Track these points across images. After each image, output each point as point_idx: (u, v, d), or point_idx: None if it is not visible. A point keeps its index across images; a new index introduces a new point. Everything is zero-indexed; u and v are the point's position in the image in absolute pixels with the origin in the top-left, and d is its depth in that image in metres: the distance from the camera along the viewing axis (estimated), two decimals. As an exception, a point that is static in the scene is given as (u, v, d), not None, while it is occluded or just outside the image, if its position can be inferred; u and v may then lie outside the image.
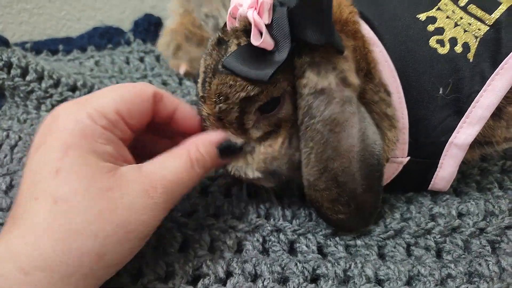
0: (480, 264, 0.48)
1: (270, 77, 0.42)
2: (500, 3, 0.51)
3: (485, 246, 0.51)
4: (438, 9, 0.51)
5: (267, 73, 0.42)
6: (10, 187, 0.62)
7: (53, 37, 1.00)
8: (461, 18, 0.51)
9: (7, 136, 0.70)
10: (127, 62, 0.90)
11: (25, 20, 1.01)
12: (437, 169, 0.53)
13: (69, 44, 0.96)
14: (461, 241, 0.51)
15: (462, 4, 0.51)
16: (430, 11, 0.51)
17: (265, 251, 0.53)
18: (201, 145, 0.46)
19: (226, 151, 0.47)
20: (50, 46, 0.95)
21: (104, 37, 0.95)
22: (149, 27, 0.95)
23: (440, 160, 0.52)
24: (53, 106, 0.77)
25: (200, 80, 0.50)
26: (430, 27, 0.51)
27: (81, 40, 0.97)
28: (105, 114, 0.43)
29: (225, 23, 0.49)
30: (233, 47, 0.45)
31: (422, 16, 0.51)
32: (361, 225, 0.52)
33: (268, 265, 0.50)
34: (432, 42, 0.50)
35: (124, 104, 0.44)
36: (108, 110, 0.43)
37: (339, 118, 0.44)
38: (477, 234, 0.52)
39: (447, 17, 0.51)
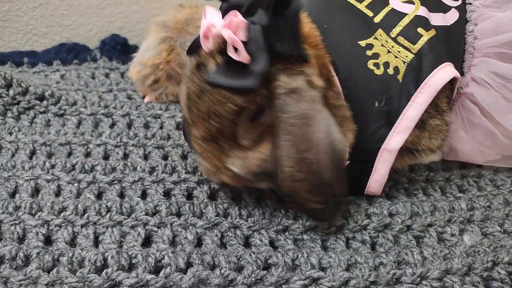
0: (406, 254, 0.57)
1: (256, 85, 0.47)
2: (422, 35, 0.62)
3: (411, 240, 0.60)
4: (375, 38, 0.62)
5: (254, 82, 0.47)
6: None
7: (18, 50, 1.02)
8: (392, 46, 0.61)
9: (-29, 139, 0.72)
10: (93, 77, 0.94)
11: (-11, 31, 1.03)
12: (372, 172, 0.62)
13: (34, 58, 0.98)
14: (391, 236, 0.60)
15: (393, 36, 0.62)
16: (369, 39, 0.61)
17: (223, 245, 0.58)
18: None
19: None
20: (14, 59, 0.97)
21: (71, 53, 0.99)
22: (115, 46, 1.00)
23: (375, 165, 0.61)
24: (19, 113, 0.79)
25: (185, 108, 0.55)
26: (368, 52, 0.60)
27: (47, 54, 0.99)
28: None
29: (193, 43, 0.56)
30: (211, 66, 0.51)
31: (362, 43, 0.61)
32: (335, 213, 0.57)
33: (226, 256, 0.55)
34: (370, 64, 0.60)
35: None
36: None
37: (309, 113, 0.50)
38: (405, 230, 0.61)
39: (382, 45, 0.61)
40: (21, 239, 0.57)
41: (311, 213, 0.56)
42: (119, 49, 1.00)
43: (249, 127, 0.53)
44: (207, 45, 0.52)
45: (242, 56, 0.48)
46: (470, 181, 0.72)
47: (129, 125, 0.80)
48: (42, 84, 0.86)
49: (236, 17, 0.48)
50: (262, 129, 0.53)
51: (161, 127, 0.80)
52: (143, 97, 0.88)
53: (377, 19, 0.63)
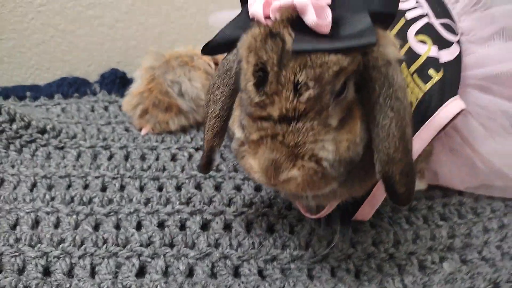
0: (387, 282, 0.60)
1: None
2: (432, 77, 0.65)
3: (393, 267, 0.63)
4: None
5: (372, 38, 0.43)
6: (-22, 219, 0.67)
7: (21, 84, 1.07)
8: (410, 82, 0.65)
9: (-24, 173, 0.76)
10: (92, 110, 0.98)
11: (-6, 66, 1.08)
12: (369, 197, 0.63)
13: (36, 92, 1.03)
14: (375, 264, 0.63)
15: (411, 71, 0.65)
16: None
17: (213, 275, 0.61)
18: None
19: None
20: (17, 93, 1.01)
21: (72, 87, 1.03)
22: (114, 80, 1.05)
23: (373, 190, 0.62)
24: (22, 146, 0.83)
25: (251, 84, 0.47)
26: None
27: (48, 88, 1.04)
28: None
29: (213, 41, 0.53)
30: (287, 37, 0.45)
31: None
32: (413, 195, 0.53)
33: (216, 286, 0.58)
34: None
35: None
36: None
37: (405, 86, 0.50)
38: (388, 258, 0.64)
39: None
40: (21, 271, 0.60)
41: (398, 198, 0.52)
42: (118, 82, 1.05)
43: (335, 103, 0.47)
44: (272, 18, 0.47)
45: (326, 22, 0.45)
46: (451, 209, 0.75)
47: (126, 157, 0.84)
48: (44, 117, 0.90)
49: None
50: (346, 105, 0.49)
51: (157, 159, 0.84)
52: (140, 130, 0.92)
53: (401, 52, 0.65)
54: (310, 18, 0.44)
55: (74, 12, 1.07)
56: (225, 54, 0.57)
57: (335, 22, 0.45)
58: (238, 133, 0.51)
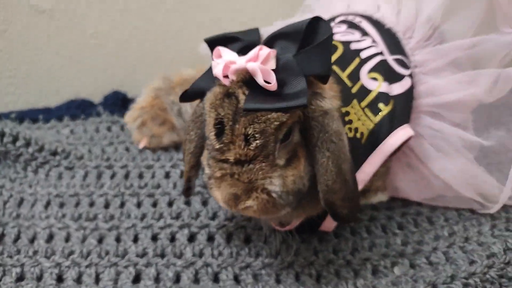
0: (342, 284, 0.71)
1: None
2: (381, 110, 0.75)
3: (349, 272, 0.74)
4: (352, 107, 0.74)
5: (304, 100, 0.54)
6: (2, 236, 0.80)
7: (35, 107, 1.20)
8: (361, 115, 0.75)
9: (0, 193, 0.89)
10: (97, 131, 1.11)
11: (12, 91, 1.21)
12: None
13: (48, 114, 1.16)
14: (333, 269, 0.74)
15: (362, 106, 0.75)
16: (347, 107, 0.73)
17: (196, 281, 0.73)
18: None
19: None
20: (31, 115, 1.14)
21: (78, 109, 1.16)
22: (116, 101, 1.17)
23: None
24: (37, 167, 0.96)
25: (212, 134, 0.59)
26: (346, 118, 0.73)
27: (58, 110, 1.17)
28: None
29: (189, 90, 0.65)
30: (241, 96, 0.57)
31: (343, 109, 0.72)
32: (356, 215, 0.66)
33: (198, 290, 0.70)
34: (346, 128, 0.72)
35: None
36: None
37: (341, 130, 0.62)
38: (345, 264, 0.75)
39: (354, 113, 0.74)
40: (39, 278, 0.73)
41: (342, 218, 0.63)
42: (119, 103, 1.17)
43: (282, 146, 0.59)
44: (230, 78, 0.58)
45: (272, 83, 0.55)
46: (408, 219, 0.85)
47: (126, 176, 0.96)
48: (55, 140, 1.03)
49: (262, 50, 0.56)
50: (291, 147, 0.60)
51: (153, 176, 0.96)
52: (138, 143, 1.04)
53: (354, 89, 0.76)
54: (259, 80, 0.56)
55: (79, 41, 1.20)
56: (198, 102, 0.69)
57: (280, 82, 0.57)
58: (206, 170, 0.64)
